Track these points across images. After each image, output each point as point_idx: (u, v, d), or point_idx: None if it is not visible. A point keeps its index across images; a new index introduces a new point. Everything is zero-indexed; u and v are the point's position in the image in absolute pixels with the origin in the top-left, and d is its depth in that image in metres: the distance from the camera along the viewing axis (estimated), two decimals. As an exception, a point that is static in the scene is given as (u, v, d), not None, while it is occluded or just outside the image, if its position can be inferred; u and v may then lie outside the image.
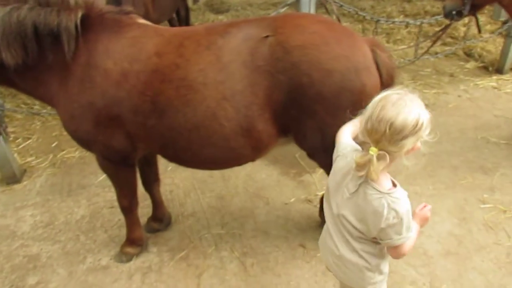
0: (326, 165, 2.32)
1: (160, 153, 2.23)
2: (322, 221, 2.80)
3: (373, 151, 1.34)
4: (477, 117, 4.06)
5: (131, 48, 1.99)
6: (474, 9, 3.24)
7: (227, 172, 3.48)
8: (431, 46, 3.92)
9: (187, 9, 5.60)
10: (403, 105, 1.33)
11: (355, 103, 1.92)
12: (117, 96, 1.96)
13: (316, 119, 1.96)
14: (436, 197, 3.04)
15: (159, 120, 1.96)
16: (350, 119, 1.97)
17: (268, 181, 3.43)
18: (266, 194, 3.28)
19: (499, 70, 4.86)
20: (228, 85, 1.89)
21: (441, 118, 4.09)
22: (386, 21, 4.17)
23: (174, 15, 5.56)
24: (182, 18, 5.50)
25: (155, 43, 1.99)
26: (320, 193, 3.09)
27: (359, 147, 1.56)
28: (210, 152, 2.04)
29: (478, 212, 2.86)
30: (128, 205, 2.50)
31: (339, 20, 3.65)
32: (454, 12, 3.27)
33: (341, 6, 3.77)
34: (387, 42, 5.92)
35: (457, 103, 4.34)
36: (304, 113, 1.95)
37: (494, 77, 4.80)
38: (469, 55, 5.36)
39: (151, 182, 2.76)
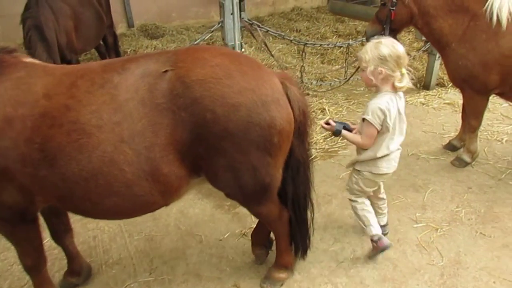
0: (245, 203, 2.20)
1: (58, 205, 1.98)
2: (257, 258, 2.67)
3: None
4: (407, 133, 4.01)
5: (15, 91, 1.75)
6: (394, 33, 3.32)
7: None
8: (356, 70, 3.98)
9: (115, 36, 5.37)
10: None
11: (265, 138, 1.83)
12: (1, 146, 1.71)
13: (225, 156, 1.82)
14: (371, 220, 3.00)
15: (51, 170, 1.73)
16: (262, 156, 1.88)
17: (202, 216, 3.23)
18: (200, 230, 3.08)
19: (426, 86, 5.07)
20: (125, 126, 1.71)
21: (375, 136, 4.14)
22: (313, 44, 4.20)
23: (102, 43, 5.30)
24: (110, 45, 5.26)
25: (44, 83, 1.78)
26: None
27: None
28: (112, 201, 1.83)
29: (412, 232, 2.85)
30: (33, 264, 2.19)
31: (266, 45, 3.61)
32: (375, 37, 3.33)
33: (267, 31, 3.74)
34: (322, 62, 6.03)
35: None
36: (212, 151, 1.80)
37: (422, 93, 4.99)
38: (398, 72, 5.56)
39: (61, 234, 2.46)
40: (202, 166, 1.88)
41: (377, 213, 2.65)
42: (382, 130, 2.24)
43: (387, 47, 2.10)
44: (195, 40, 3.82)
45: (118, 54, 5.49)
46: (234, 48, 3.48)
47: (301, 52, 4.11)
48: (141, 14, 7.94)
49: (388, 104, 2.17)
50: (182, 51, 1.90)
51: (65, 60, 4.27)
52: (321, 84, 4.89)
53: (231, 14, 3.38)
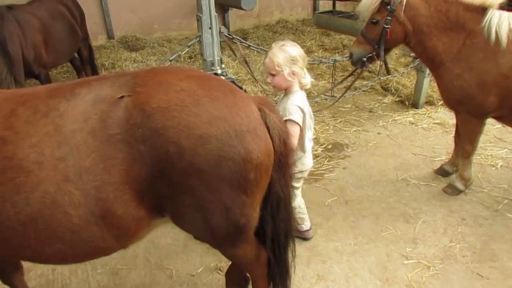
0: (217, 246, 1.93)
1: None
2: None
3: None
4: (396, 156, 3.94)
5: None
6: (385, 53, 3.12)
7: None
8: (342, 95, 3.77)
9: (90, 49, 5.08)
10: None
11: (240, 174, 1.56)
12: None
13: (193, 195, 1.55)
14: (358, 255, 2.74)
15: None
16: (236, 194, 1.62)
17: (174, 247, 2.94)
18: (171, 264, 2.78)
19: (415, 105, 4.89)
20: (71, 162, 1.43)
21: (362, 158, 3.92)
22: None
23: (77, 56, 5.01)
24: (85, 58, 4.97)
25: None
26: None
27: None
28: (56, 248, 1.54)
29: (402, 270, 2.60)
30: None
31: (246, 62, 3.37)
32: (364, 59, 3.13)
33: (249, 46, 3.50)
34: (308, 77, 5.83)
35: (377, 141, 4.22)
36: (176, 190, 1.53)
37: (411, 112, 4.81)
38: (386, 89, 5.39)
39: (9, 273, 2.15)
40: (166, 206, 1.60)
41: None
42: (303, 127, 2.36)
43: (294, 48, 2.24)
44: (175, 53, 3.54)
45: (93, 67, 5.20)
46: (213, 64, 3.23)
47: None
48: (122, 25, 7.67)
49: (304, 102, 2.33)
50: (142, 73, 1.63)
51: (33, 75, 3.97)
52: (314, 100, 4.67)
53: (209, 28, 3.14)
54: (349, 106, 5.05)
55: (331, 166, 3.81)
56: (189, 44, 3.41)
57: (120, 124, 1.45)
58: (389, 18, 2.93)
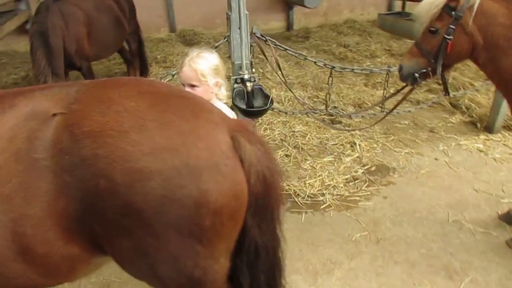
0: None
1: None
2: None
3: None
4: (453, 190, 3.29)
5: None
6: (443, 69, 2.55)
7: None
8: (392, 109, 3.21)
9: (140, 42, 5.06)
10: None
11: (191, 221, 1.24)
12: None
13: (132, 239, 1.26)
14: (378, 312, 2.27)
15: None
16: (187, 243, 1.30)
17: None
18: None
19: (488, 128, 4.10)
20: None
21: (409, 188, 3.34)
22: (343, 69, 3.49)
23: (126, 46, 5.03)
24: (133, 51, 4.96)
25: None
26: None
27: None
28: None
29: None
30: None
31: (278, 66, 3.01)
32: (416, 75, 2.59)
33: (286, 49, 3.13)
34: (365, 85, 5.26)
35: (432, 168, 3.58)
36: (112, 230, 1.26)
37: (482, 137, 4.04)
38: (455, 106, 4.63)
39: None
40: (104, 246, 1.33)
41: None
42: None
43: (214, 57, 2.04)
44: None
45: (143, 61, 5.19)
46: (241, 67, 2.92)
47: (328, 77, 3.44)
48: (185, 19, 7.69)
49: (232, 115, 2.12)
50: (90, 85, 1.37)
51: (75, 67, 4.01)
52: (355, 114, 4.15)
53: (238, 28, 2.83)
54: (407, 122, 4.40)
55: (369, 193, 3.29)
56: (217, 45, 3.13)
57: (47, 147, 1.20)
58: (452, 27, 2.36)
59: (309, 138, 4.10)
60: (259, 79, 3.91)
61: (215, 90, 2.02)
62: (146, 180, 1.18)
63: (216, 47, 3.12)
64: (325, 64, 3.29)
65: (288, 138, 4.11)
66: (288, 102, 4.77)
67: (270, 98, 2.91)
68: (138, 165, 1.17)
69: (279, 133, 4.18)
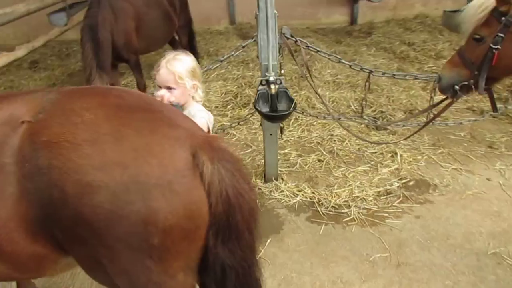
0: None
1: None
2: None
3: None
4: (501, 217, 2.89)
5: None
6: (489, 83, 2.22)
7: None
8: (431, 120, 2.88)
9: (191, 35, 5.17)
10: None
11: (140, 236, 1.23)
12: None
13: (87, 247, 1.29)
14: None
15: None
16: (138, 258, 1.29)
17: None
18: None
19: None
20: None
21: (449, 209, 3.01)
22: (383, 73, 3.19)
23: (177, 38, 5.17)
24: (183, 44, 5.09)
25: None
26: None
27: None
28: None
29: None
30: None
31: (308, 70, 2.86)
32: (457, 87, 2.29)
33: (318, 51, 2.95)
34: (423, 89, 4.82)
35: (481, 189, 3.18)
36: (69, 237, 1.29)
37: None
38: (526, 120, 4.05)
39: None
40: (67, 250, 1.38)
41: None
42: None
43: (191, 60, 2.03)
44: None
45: (193, 54, 5.28)
46: (267, 69, 2.83)
47: (365, 83, 3.19)
48: (246, 11, 7.68)
49: (206, 111, 2.12)
50: (63, 94, 1.40)
51: (123, 60, 4.22)
52: (397, 124, 3.82)
53: (266, 27, 2.74)
54: (463, 134, 3.95)
55: (400, 210, 3.03)
56: (244, 44, 3.06)
57: (13, 153, 1.26)
58: (501, 35, 2.03)
59: (347, 143, 3.88)
60: (305, 77, 3.71)
61: (191, 93, 2.01)
62: (94, 194, 1.18)
63: (243, 47, 3.06)
64: (361, 68, 3.06)
65: (325, 142, 3.93)
66: (332, 104, 4.55)
67: (294, 102, 2.79)
68: (87, 178, 1.18)
69: (316, 136, 4.02)
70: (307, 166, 3.61)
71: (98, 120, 1.25)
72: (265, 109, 2.83)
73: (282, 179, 3.43)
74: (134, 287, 1.35)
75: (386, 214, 3.00)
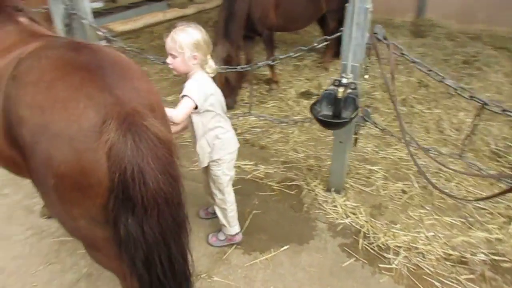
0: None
1: None
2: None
3: None
4: None
5: None
6: None
7: None
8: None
9: (339, 22, 4.87)
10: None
11: (43, 173, 1.43)
12: None
13: (27, 166, 1.53)
14: None
15: None
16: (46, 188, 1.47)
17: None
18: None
19: None
20: None
21: None
22: (504, 111, 2.28)
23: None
24: (331, 30, 4.87)
25: None
26: None
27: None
28: None
29: None
30: None
31: (393, 78, 2.36)
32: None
33: (414, 62, 2.38)
34: None
35: None
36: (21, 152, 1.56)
37: None
38: None
39: None
40: None
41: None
42: (208, 109, 2.20)
43: (198, 32, 2.10)
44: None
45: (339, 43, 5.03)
46: (345, 69, 2.49)
47: (474, 117, 2.38)
48: (437, 7, 6.70)
49: (206, 82, 2.19)
50: (56, 41, 1.64)
51: (256, 33, 4.39)
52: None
53: (351, 22, 2.38)
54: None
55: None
56: (329, 38, 2.70)
57: (6, 78, 1.58)
58: None
59: (456, 183, 3.11)
60: (388, 90, 3.03)
61: (191, 63, 2.10)
62: (22, 125, 1.41)
63: (327, 40, 2.75)
64: (471, 97, 2.31)
65: (429, 174, 3.24)
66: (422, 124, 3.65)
67: (356, 112, 2.42)
68: (21, 112, 1.41)
69: (421, 164, 3.35)
70: (385, 192, 3.09)
71: (47, 68, 1.44)
72: (327, 111, 2.54)
73: (346, 194, 3.07)
74: (55, 215, 1.57)
75: (439, 285, 2.35)
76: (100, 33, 3.47)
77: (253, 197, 3.09)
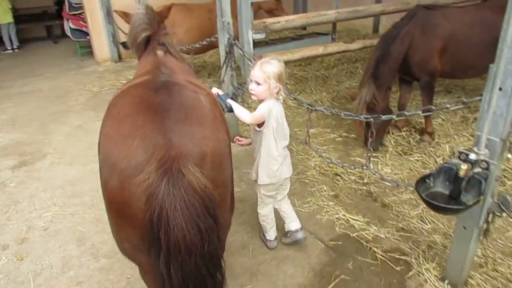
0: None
1: None
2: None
3: None
4: None
5: None
6: None
7: None
8: None
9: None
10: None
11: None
12: None
13: None
14: None
15: None
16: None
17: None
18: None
19: None
20: None
21: None
22: None
23: None
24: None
25: None
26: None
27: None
28: None
29: None
30: None
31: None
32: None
33: None
34: None
35: None
36: None
37: None
38: None
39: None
40: None
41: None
42: (273, 132, 2.48)
43: (281, 66, 2.41)
44: None
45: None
46: (478, 141, 1.96)
47: None
48: None
49: (276, 106, 2.45)
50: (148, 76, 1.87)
51: (413, 77, 3.96)
52: None
53: (495, 88, 1.85)
54: None
55: None
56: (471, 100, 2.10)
57: None
58: None
59: None
60: None
61: (273, 92, 2.41)
62: (99, 150, 1.68)
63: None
64: None
65: None
66: None
67: (478, 199, 1.90)
68: (99, 138, 1.68)
69: None
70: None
71: (126, 105, 1.64)
72: (442, 189, 2.07)
73: (467, 292, 2.42)
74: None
75: None
76: (250, 63, 3.78)
77: (348, 259, 2.77)
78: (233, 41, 4.02)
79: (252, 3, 4.09)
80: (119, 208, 1.54)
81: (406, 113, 2.65)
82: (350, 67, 6.99)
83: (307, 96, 5.84)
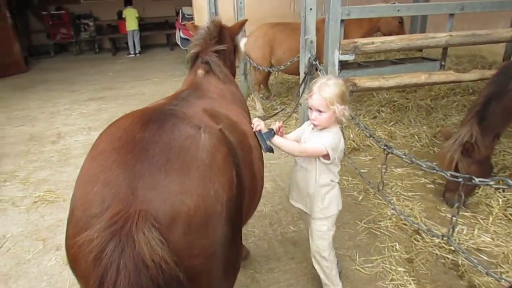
0: None
1: None
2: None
3: None
4: None
5: None
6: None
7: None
8: None
9: None
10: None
11: None
12: None
13: None
14: None
15: None
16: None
17: None
18: None
19: None
20: None
21: None
22: None
23: None
24: None
25: None
26: None
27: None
28: None
29: None
30: None
31: None
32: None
33: None
34: None
35: None
36: None
37: None
38: None
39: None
40: None
41: None
42: (334, 162, 2.15)
43: (340, 84, 2.07)
44: None
45: None
46: None
47: None
48: None
49: (341, 139, 2.15)
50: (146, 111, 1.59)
51: None
52: None
53: None
54: None
55: None
56: None
57: None
58: None
59: None
60: None
61: (340, 115, 2.06)
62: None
63: None
64: None
65: None
66: None
67: None
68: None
69: None
70: None
71: (107, 138, 1.37)
72: None
73: None
74: None
75: None
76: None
77: None
78: (313, 61, 3.62)
79: (342, 20, 3.64)
80: (70, 259, 1.27)
81: (510, 181, 1.87)
82: (463, 100, 5.92)
83: (403, 128, 5.08)
